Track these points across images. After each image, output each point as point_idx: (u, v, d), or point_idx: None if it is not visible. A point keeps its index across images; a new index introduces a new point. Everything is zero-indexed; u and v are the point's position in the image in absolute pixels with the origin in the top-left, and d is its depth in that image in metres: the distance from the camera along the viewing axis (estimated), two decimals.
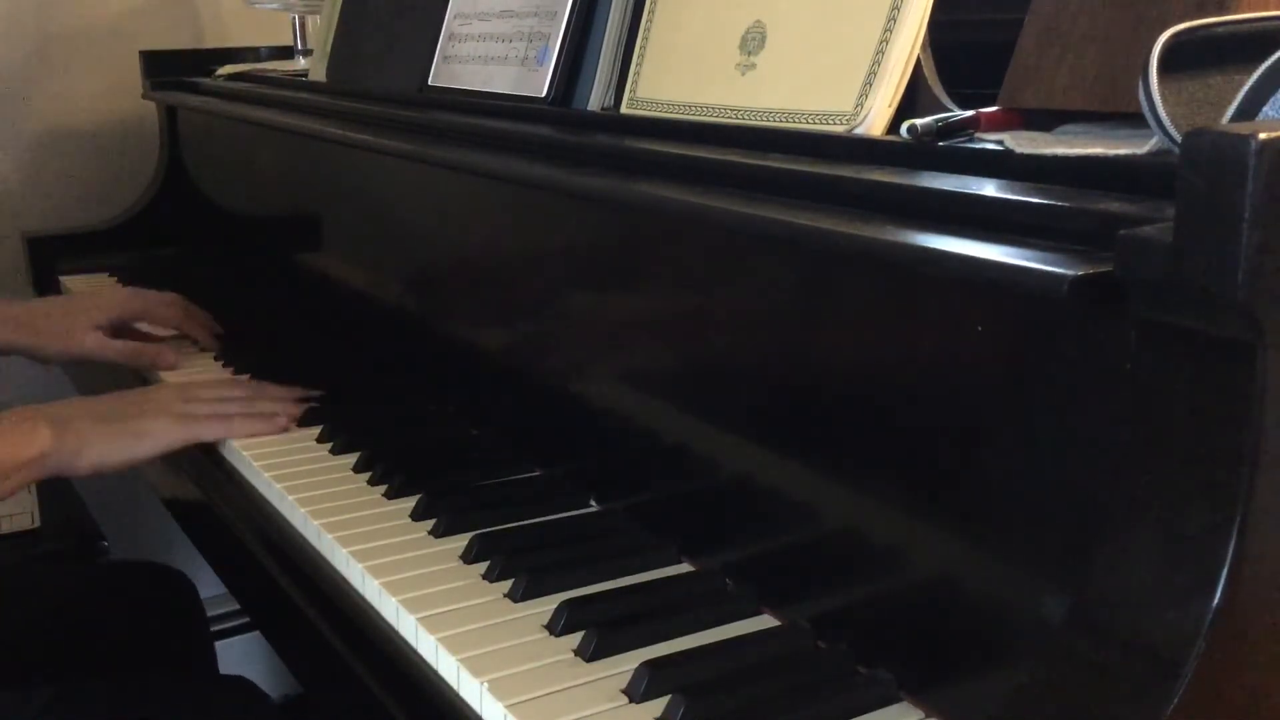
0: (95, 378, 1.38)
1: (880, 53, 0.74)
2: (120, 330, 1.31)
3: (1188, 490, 0.50)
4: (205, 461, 1.09)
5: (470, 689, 0.69)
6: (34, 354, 1.29)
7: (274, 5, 1.75)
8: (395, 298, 1.24)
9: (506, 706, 0.66)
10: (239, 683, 1.14)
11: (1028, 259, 0.55)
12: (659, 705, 0.65)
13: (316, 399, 1.13)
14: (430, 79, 1.18)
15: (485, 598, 0.78)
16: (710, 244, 0.79)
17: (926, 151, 0.70)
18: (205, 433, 1.06)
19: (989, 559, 0.62)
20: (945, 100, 0.76)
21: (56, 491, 1.55)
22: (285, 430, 1.08)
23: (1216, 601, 0.48)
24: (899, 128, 0.72)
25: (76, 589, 1.31)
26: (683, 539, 0.83)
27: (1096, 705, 0.50)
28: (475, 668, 0.69)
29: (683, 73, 0.89)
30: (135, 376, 1.30)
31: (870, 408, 0.69)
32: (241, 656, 1.79)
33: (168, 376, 1.26)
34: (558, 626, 0.73)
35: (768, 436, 0.76)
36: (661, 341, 0.86)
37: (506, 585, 0.79)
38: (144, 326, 1.35)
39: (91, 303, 1.32)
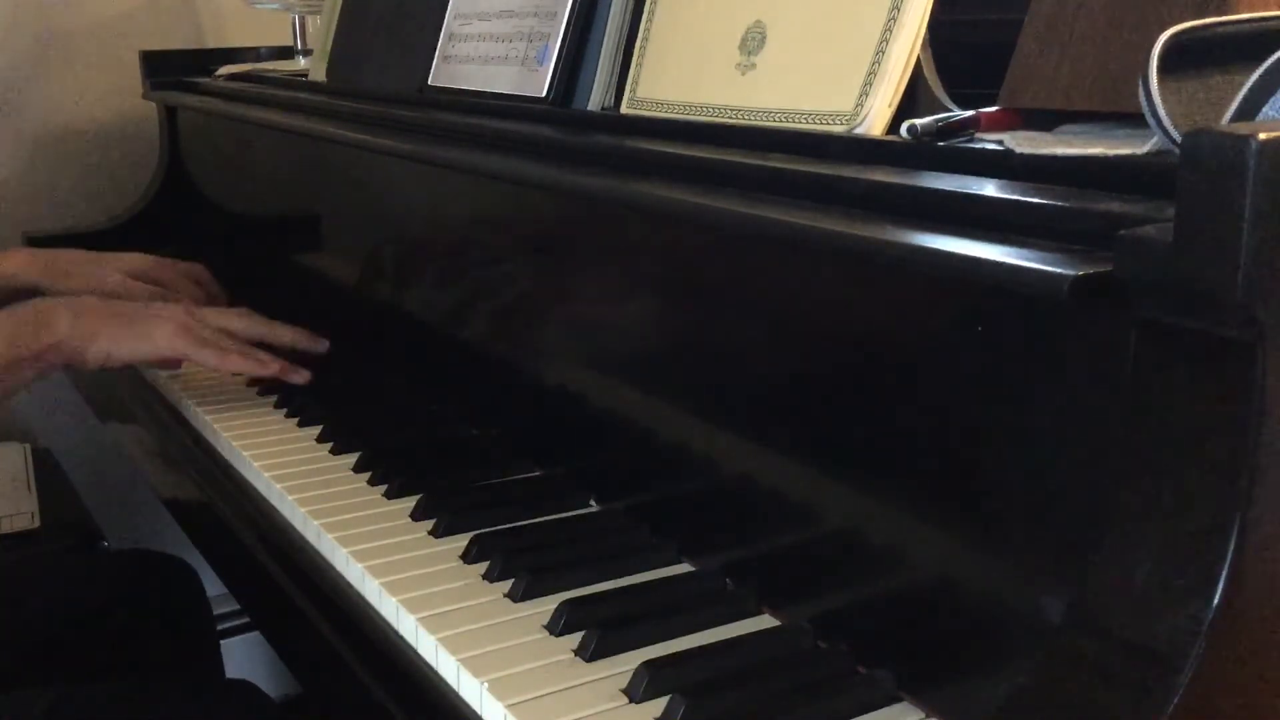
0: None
1: (880, 53, 0.74)
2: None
3: (1188, 490, 0.50)
4: (205, 461, 1.09)
5: (470, 689, 0.69)
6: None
7: (274, 5, 1.75)
8: (395, 298, 1.24)
9: (506, 706, 0.66)
10: (244, 687, 1.14)
11: (1028, 259, 0.55)
12: (659, 705, 0.65)
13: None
14: (430, 79, 1.18)
15: (485, 598, 0.78)
16: (710, 244, 0.79)
17: (926, 151, 0.70)
18: (202, 355, 1.12)
19: (989, 559, 0.62)
20: (945, 100, 0.75)
21: (56, 491, 1.55)
22: (277, 374, 1.14)
23: (1216, 601, 0.48)
24: (899, 128, 0.72)
25: (78, 582, 1.31)
26: (683, 539, 0.83)
27: (1096, 705, 0.50)
28: (475, 668, 0.69)
29: (683, 73, 0.89)
30: None
31: (870, 408, 0.69)
32: (242, 656, 1.79)
33: None
34: (558, 626, 0.73)
35: (767, 436, 0.76)
36: (661, 341, 0.86)
37: (506, 585, 0.79)
38: None
39: (118, 255, 1.37)
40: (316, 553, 0.88)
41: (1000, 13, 0.82)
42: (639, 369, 0.88)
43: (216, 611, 1.43)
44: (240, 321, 1.16)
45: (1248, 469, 0.48)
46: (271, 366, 1.14)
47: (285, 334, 1.19)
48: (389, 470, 0.96)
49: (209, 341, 1.11)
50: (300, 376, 1.16)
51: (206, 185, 1.73)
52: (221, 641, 1.44)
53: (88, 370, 1.10)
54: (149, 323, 1.09)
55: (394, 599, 0.77)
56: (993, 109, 0.72)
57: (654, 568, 0.82)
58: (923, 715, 0.66)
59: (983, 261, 0.57)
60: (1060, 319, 0.57)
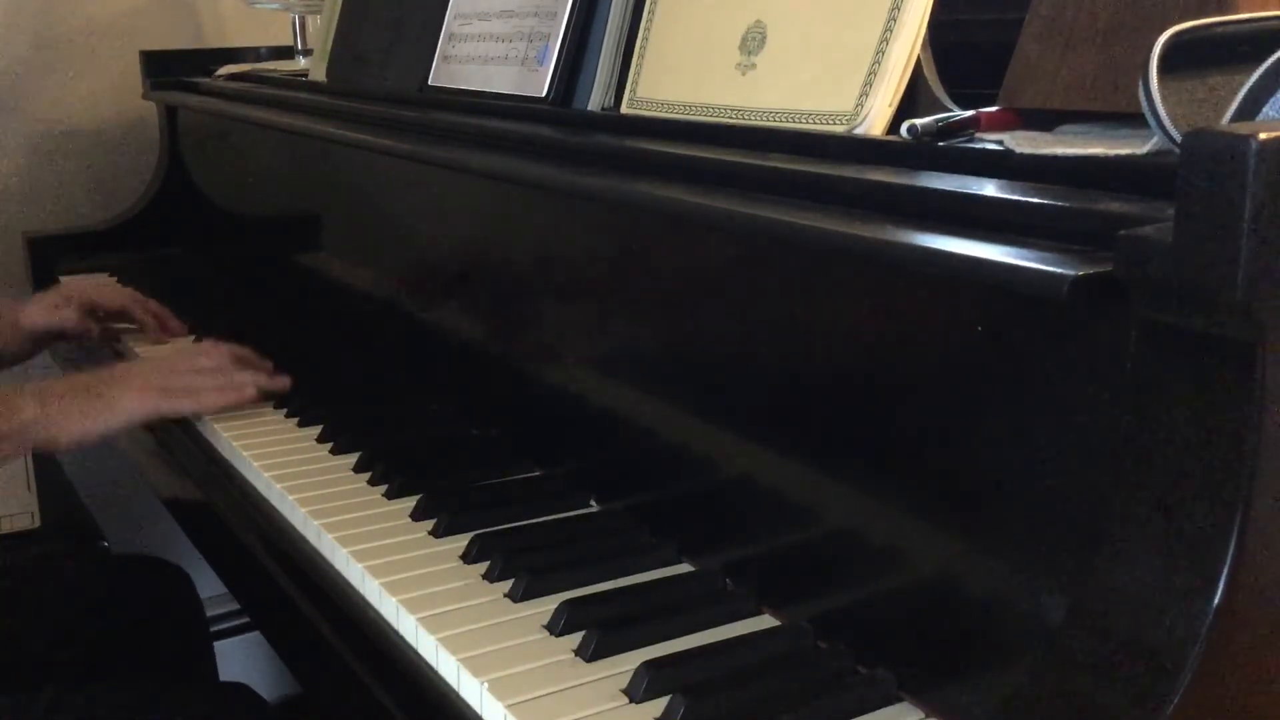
0: None
1: (880, 53, 0.74)
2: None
3: (1188, 490, 0.50)
4: (205, 461, 1.09)
5: (470, 689, 0.69)
6: None
7: (274, 5, 1.75)
8: (395, 297, 1.24)
9: (506, 706, 0.66)
10: (238, 689, 1.14)
11: (1028, 259, 0.55)
12: (659, 705, 0.65)
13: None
14: (430, 79, 1.18)
15: (485, 598, 0.78)
16: (710, 244, 0.79)
17: (926, 151, 0.70)
18: (176, 406, 1.10)
19: (989, 559, 0.62)
20: (945, 100, 0.76)
21: (56, 491, 1.55)
22: (254, 400, 1.12)
23: (1216, 601, 0.48)
24: (899, 128, 0.72)
25: (74, 585, 1.32)
26: (683, 539, 0.83)
27: (1096, 705, 0.50)
28: (475, 668, 0.69)
29: (683, 73, 0.89)
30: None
31: (870, 407, 0.69)
32: (241, 657, 1.79)
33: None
34: (558, 626, 0.73)
35: (767, 436, 0.76)
36: (662, 341, 0.86)
37: (506, 585, 0.79)
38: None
39: (36, 295, 1.37)
40: (316, 553, 0.88)
41: (1000, 13, 0.82)
42: (639, 369, 0.88)
43: (214, 613, 1.43)
44: (208, 359, 1.14)
45: (1248, 469, 0.48)
46: (249, 390, 1.11)
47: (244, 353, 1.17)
48: (389, 470, 0.96)
49: (180, 391, 1.09)
50: (281, 384, 1.14)
51: (206, 185, 1.73)
52: (218, 643, 1.44)
53: (59, 453, 1.08)
54: (115, 391, 1.06)
55: (394, 599, 0.77)
56: (993, 109, 0.72)
57: (654, 568, 0.82)
58: (923, 715, 0.66)
59: (983, 261, 0.57)
60: (1060, 319, 0.57)
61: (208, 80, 1.67)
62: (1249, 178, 0.45)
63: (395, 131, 1.14)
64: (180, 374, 1.11)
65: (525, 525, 0.88)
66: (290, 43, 1.75)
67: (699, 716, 0.64)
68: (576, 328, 0.95)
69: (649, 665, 0.68)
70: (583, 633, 0.72)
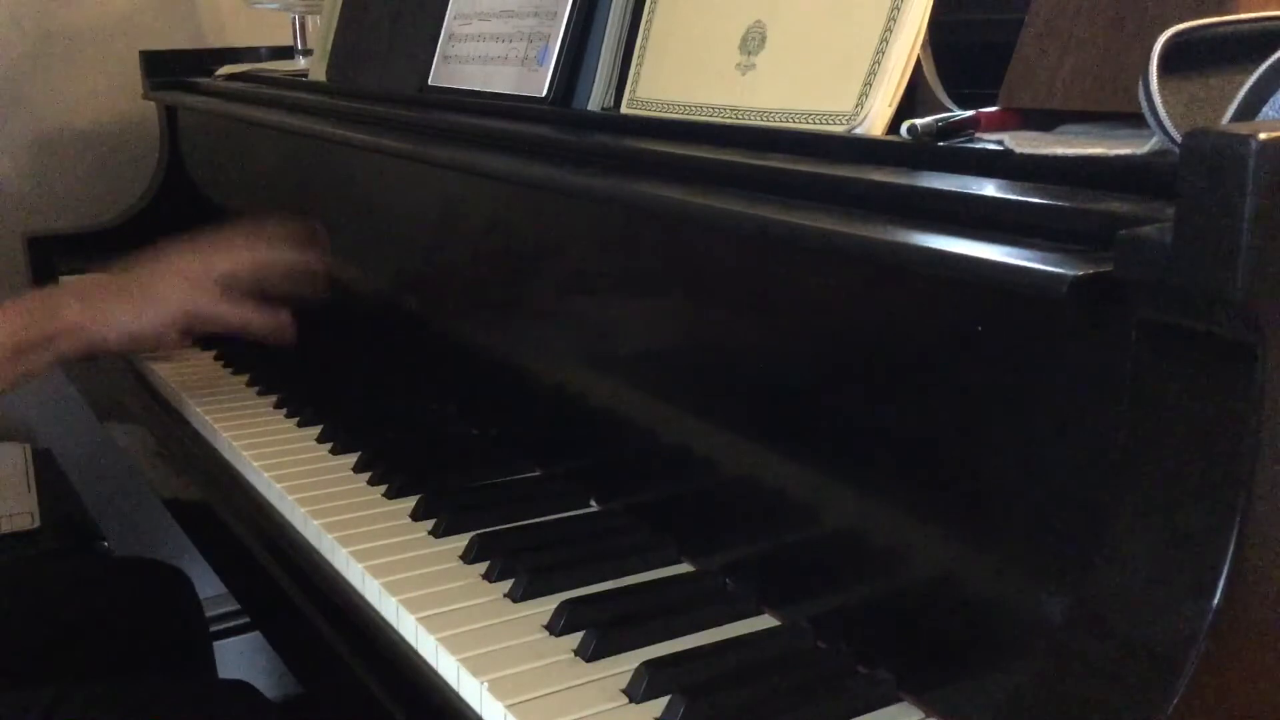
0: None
1: (880, 53, 0.74)
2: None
3: (1188, 490, 0.50)
4: (205, 461, 1.09)
5: (470, 689, 0.69)
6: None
7: (274, 5, 1.75)
8: (395, 297, 1.24)
9: (506, 706, 0.66)
10: (239, 686, 1.14)
11: (1028, 259, 0.55)
12: (659, 705, 0.65)
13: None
14: (430, 79, 1.18)
15: (485, 598, 0.78)
16: (710, 244, 0.79)
17: (926, 151, 0.70)
18: (218, 309, 1.08)
19: (989, 559, 0.62)
20: (945, 100, 0.76)
21: (56, 491, 1.55)
22: (291, 341, 1.11)
23: (1216, 601, 0.48)
24: (899, 128, 0.72)
25: (74, 586, 1.32)
26: (683, 539, 0.83)
27: (1096, 705, 0.50)
28: (475, 668, 0.69)
29: (683, 73, 0.89)
30: None
31: (870, 407, 0.69)
32: (241, 657, 1.79)
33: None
34: (558, 626, 0.73)
35: (768, 436, 0.76)
36: (661, 341, 0.86)
37: (506, 585, 0.79)
38: None
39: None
40: (317, 553, 0.88)
41: (1000, 13, 0.82)
42: (639, 369, 0.88)
43: (214, 613, 1.43)
44: (247, 267, 1.11)
45: (1248, 469, 0.48)
46: (289, 333, 1.11)
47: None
48: (389, 470, 0.96)
49: (225, 293, 1.07)
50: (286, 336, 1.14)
51: (206, 185, 1.73)
52: (219, 643, 1.44)
53: (111, 353, 1.06)
54: (159, 284, 1.05)
55: (394, 599, 0.77)
56: (993, 109, 0.72)
57: (654, 568, 0.82)
58: (923, 715, 0.66)
59: (983, 261, 0.57)
60: (1060, 319, 0.57)
61: (208, 80, 1.67)
62: (1249, 178, 0.45)
63: (395, 131, 1.14)
64: (221, 268, 1.08)
65: (525, 525, 0.88)
66: (290, 43, 1.75)
67: (699, 716, 0.64)
68: (576, 327, 0.95)
69: (649, 665, 0.68)
70: (583, 633, 0.72)
